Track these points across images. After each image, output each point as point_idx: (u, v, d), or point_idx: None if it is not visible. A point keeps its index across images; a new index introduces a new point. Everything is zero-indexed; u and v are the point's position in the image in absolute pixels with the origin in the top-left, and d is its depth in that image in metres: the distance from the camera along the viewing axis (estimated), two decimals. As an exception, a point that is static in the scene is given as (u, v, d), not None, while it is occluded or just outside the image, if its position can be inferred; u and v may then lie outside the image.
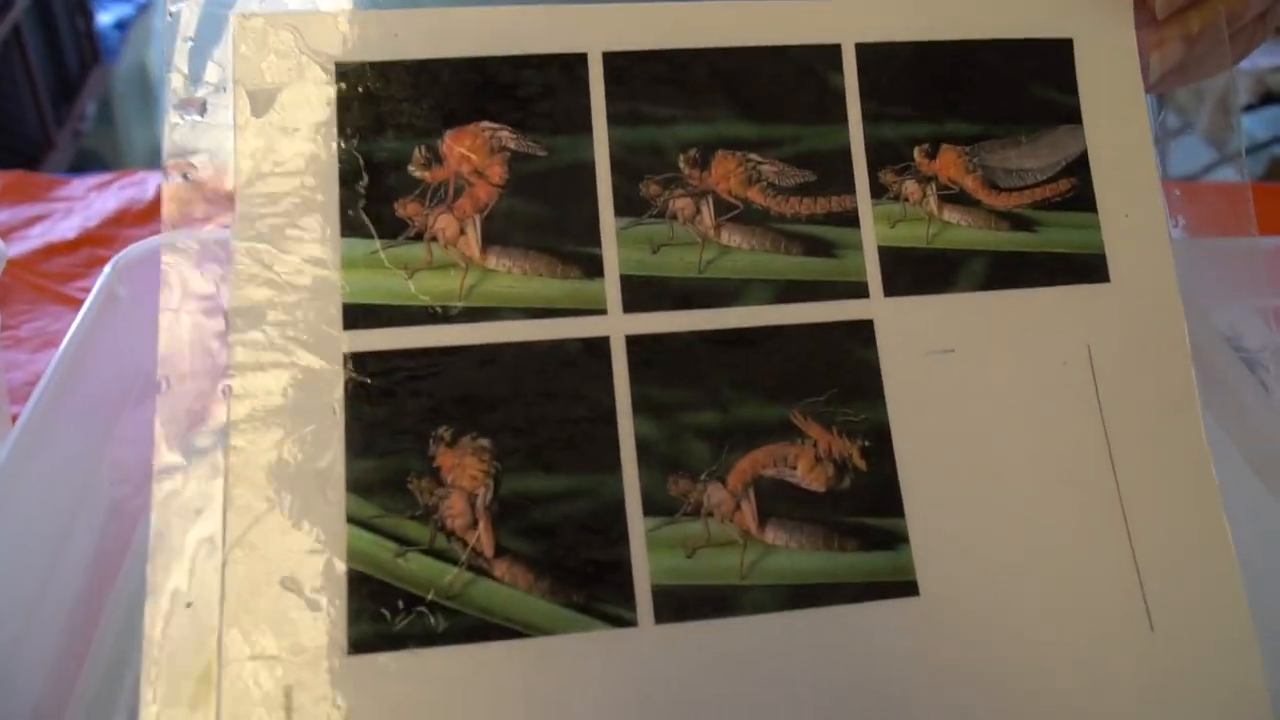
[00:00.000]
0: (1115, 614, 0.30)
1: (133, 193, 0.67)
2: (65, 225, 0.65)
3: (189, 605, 0.27)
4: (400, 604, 0.27)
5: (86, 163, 1.70)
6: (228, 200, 0.30)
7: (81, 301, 0.41)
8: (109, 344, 0.40)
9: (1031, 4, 0.34)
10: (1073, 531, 0.31)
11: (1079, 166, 0.33)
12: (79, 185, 0.68)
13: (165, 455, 0.28)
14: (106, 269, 0.42)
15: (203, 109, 0.30)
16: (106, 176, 0.69)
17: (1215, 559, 0.31)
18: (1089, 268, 0.33)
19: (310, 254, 0.29)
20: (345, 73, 0.31)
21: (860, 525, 0.30)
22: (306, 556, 0.27)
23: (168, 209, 0.29)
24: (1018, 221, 0.33)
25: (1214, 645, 0.30)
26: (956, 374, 0.31)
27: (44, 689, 0.33)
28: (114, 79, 1.84)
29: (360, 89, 0.31)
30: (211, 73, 0.30)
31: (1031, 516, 0.31)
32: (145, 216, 0.65)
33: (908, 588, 0.29)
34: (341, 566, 0.27)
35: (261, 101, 0.30)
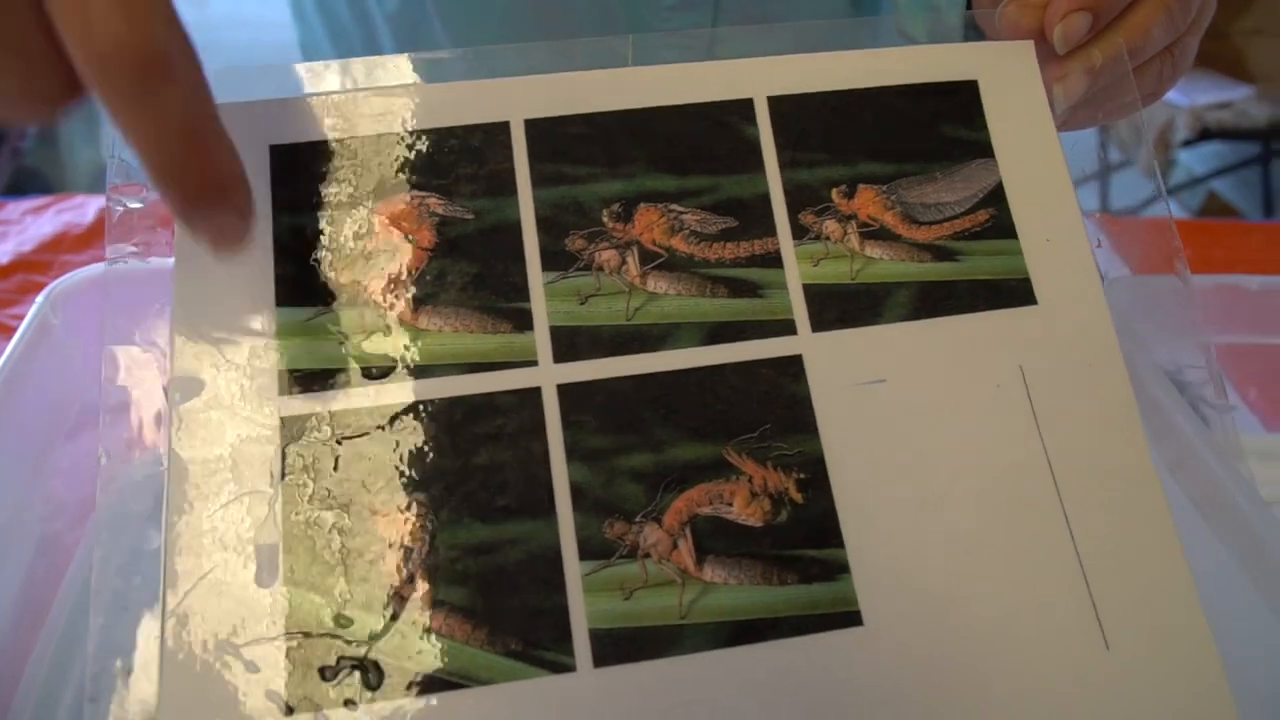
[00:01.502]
0: (1068, 634, 0.30)
1: (70, 217, 0.65)
2: (-1, 249, 0.63)
3: (129, 672, 0.27)
4: (337, 661, 0.27)
5: (26, 182, 1.63)
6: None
7: (13, 329, 0.40)
8: (42, 375, 0.40)
9: (935, 51, 0.35)
10: (1018, 553, 0.30)
11: (996, 198, 0.34)
12: (14, 208, 0.66)
13: (107, 523, 0.28)
14: (40, 297, 0.41)
15: (144, 197, 0.32)
16: (43, 200, 0.67)
17: (1168, 572, 0.31)
18: (1015, 291, 0.33)
19: (248, 324, 0.31)
20: (279, 152, 0.32)
21: (799, 557, 0.30)
22: (244, 618, 0.28)
23: (109, 296, 0.31)
24: (940, 252, 0.33)
25: (1173, 660, 0.30)
26: (889, 403, 0.32)
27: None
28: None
29: (294, 167, 0.32)
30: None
31: (975, 540, 0.30)
32: (83, 242, 0.63)
33: (850, 618, 0.29)
34: (279, 627, 0.28)
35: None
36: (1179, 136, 1.49)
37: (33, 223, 0.66)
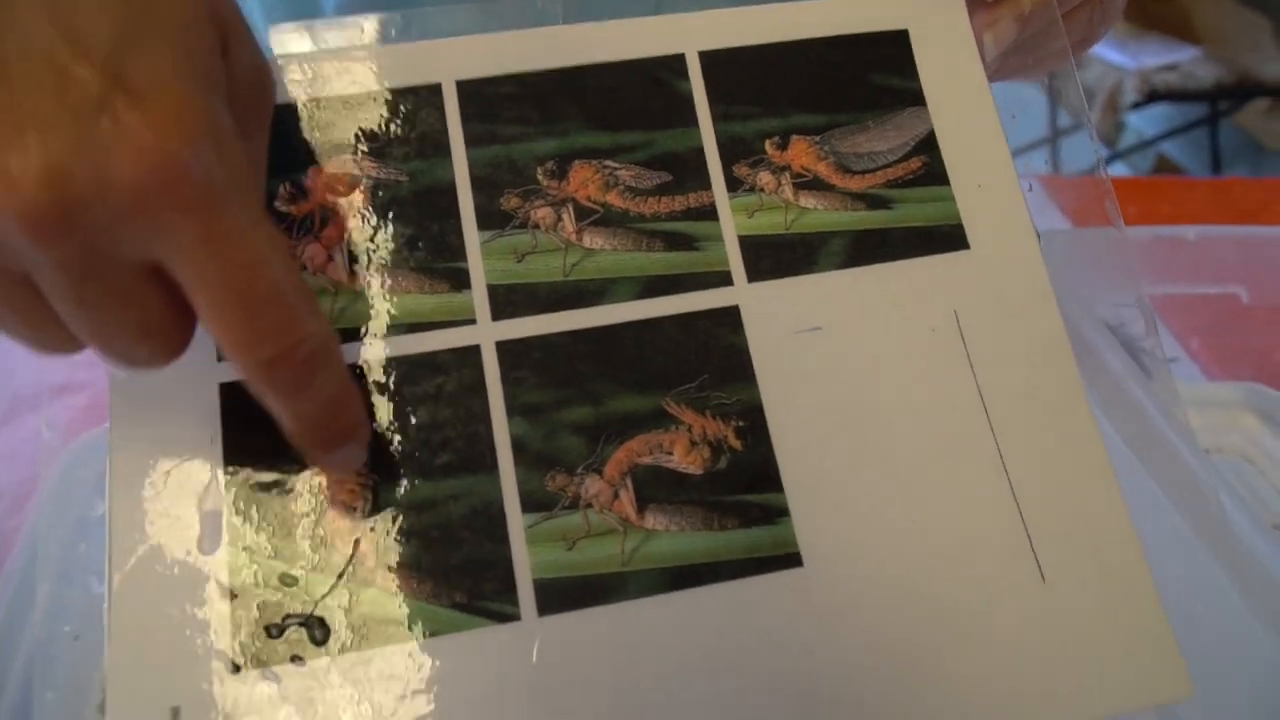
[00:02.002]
0: (1004, 569, 0.30)
1: None
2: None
3: (76, 638, 0.27)
4: (283, 619, 0.28)
5: None
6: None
7: None
8: None
9: (866, 1, 0.36)
10: (955, 493, 0.31)
11: (927, 146, 0.34)
12: None
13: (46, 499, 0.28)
14: None
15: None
16: None
17: (1103, 508, 0.31)
18: (947, 237, 0.34)
19: (183, 292, 0.31)
20: (209, 121, 0.32)
21: (739, 503, 0.30)
22: (189, 580, 0.28)
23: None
24: (873, 201, 0.34)
25: (1110, 590, 0.30)
26: (826, 350, 0.32)
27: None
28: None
29: (224, 135, 0.32)
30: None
31: (911, 481, 0.31)
32: None
33: (790, 560, 0.30)
34: (224, 586, 0.28)
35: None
36: (1127, 99, 1.50)
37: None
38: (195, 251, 0.23)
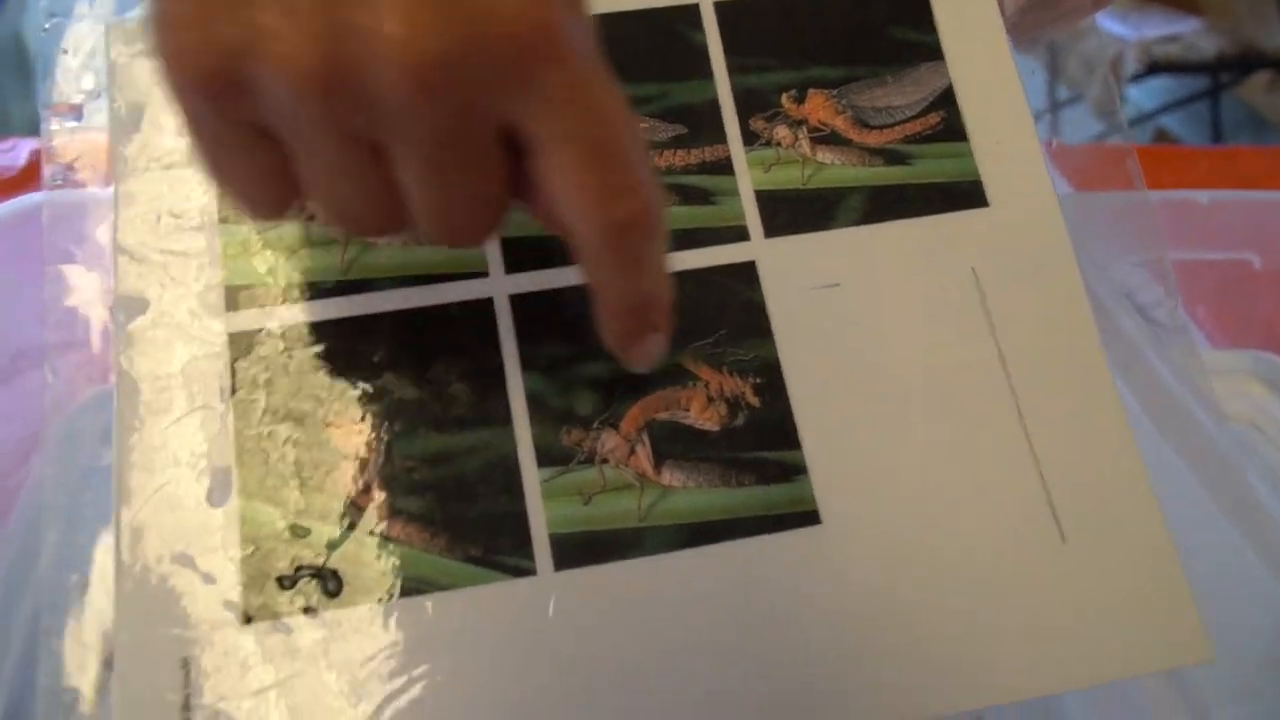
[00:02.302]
0: (1024, 528, 0.30)
1: (0, 160, 0.62)
2: (-75, 193, 0.59)
3: (85, 588, 0.27)
4: (295, 570, 0.27)
5: None
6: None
7: None
8: None
9: None
10: (974, 450, 0.31)
11: (946, 101, 0.34)
12: None
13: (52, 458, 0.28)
14: None
15: (80, 114, 0.31)
16: None
17: (1122, 465, 0.31)
18: (966, 194, 0.33)
19: (190, 243, 0.30)
20: (216, 68, 0.31)
21: (757, 460, 0.30)
22: (198, 531, 0.27)
23: (48, 218, 0.30)
24: (891, 156, 0.33)
25: (1130, 550, 0.30)
26: (843, 307, 0.32)
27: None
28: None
29: (232, 82, 0.31)
30: (87, 80, 0.31)
31: (930, 438, 0.31)
32: (15, 185, 0.60)
33: (808, 517, 0.29)
34: (234, 537, 0.27)
35: (135, 104, 0.31)
36: (1128, 70, 1.49)
37: (-38, 165, 0.63)
38: (564, 105, 0.22)
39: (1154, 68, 1.50)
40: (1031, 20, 0.37)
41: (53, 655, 0.25)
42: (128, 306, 0.29)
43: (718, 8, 0.34)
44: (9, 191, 0.59)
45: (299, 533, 0.28)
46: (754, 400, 0.30)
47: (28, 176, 0.60)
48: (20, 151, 0.63)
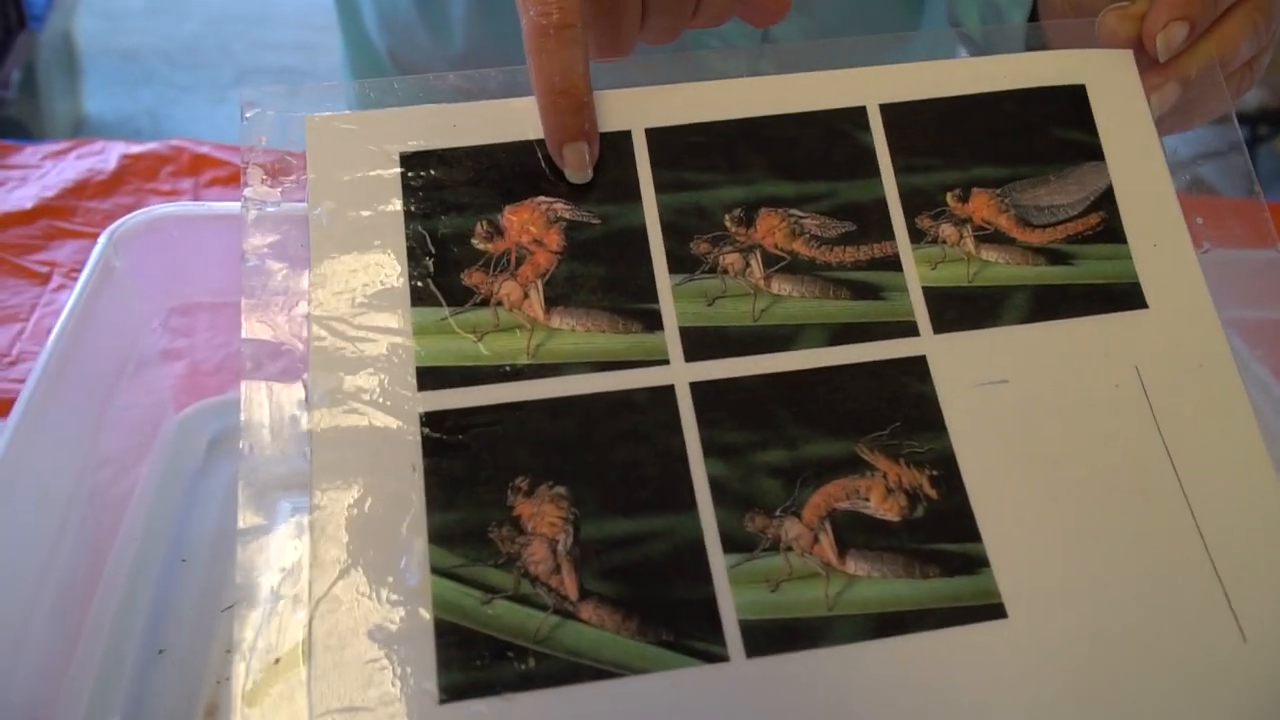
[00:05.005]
0: (1203, 626, 0.30)
1: (92, 162, 0.64)
2: (20, 194, 0.60)
3: (276, 661, 0.27)
4: (488, 651, 0.27)
5: (7, 132, 1.58)
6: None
7: (41, 274, 0.38)
8: (105, 320, 0.39)
9: (1042, 58, 0.36)
10: (1148, 546, 0.31)
11: (1106, 201, 0.35)
12: (33, 152, 0.64)
13: (249, 518, 0.28)
14: (102, 239, 0.40)
15: (279, 200, 0.32)
16: (63, 144, 0.65)
17: None
18: (1126, 295, 0.34)
19: (383, 324, 0.31)
20: (409, 159, 0.33)
21: (939, 551, 0.30)
22: (392, 608, 0.27)
23: (248, 295, 0.31)
24: (1054, 256, 0.34)
25: (1312, 653, 0.30)
26: (1013, 402, 0.32)
27: (37, 687, 0.32)
28: (39, 46, 1.73)
29: (423, 174, 0.33)
30: (285, 167, 0.33)
31: (1105, 533, 0.31)
32: (107, 188, 0.61)
33: (994, 610, 0.29)
34: (428, 616, 0.27)
35: (333, 190, 0.32)
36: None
37: (53, 167, 0.63)
38: None
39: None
40: (1170, 124, 0.38)
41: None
42: (321, 383, 0.30)
43: (884, 109, 0.35)
44: (105, 193, 0.59)
45: (492, 611, 0.28)
46: (931, 492, 0.31)
47: (120, 179, 0.61)
48: (110, 154, 0.63)
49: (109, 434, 0.40)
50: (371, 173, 0.33)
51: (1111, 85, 0.36)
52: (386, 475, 0.29)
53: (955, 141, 0.35)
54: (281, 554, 0.28)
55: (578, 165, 0.33)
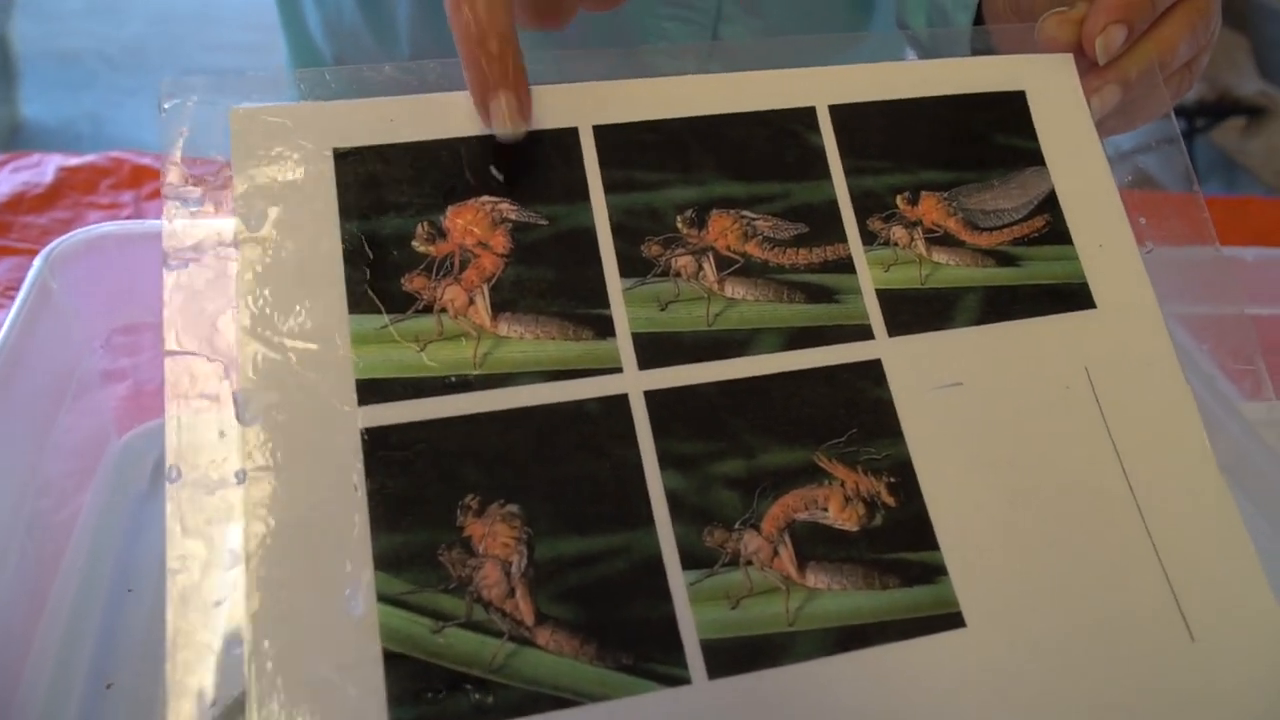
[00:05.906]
0: (1153, 627, 0.30)
1: (28, 175, 0.60)
2: (-51, 210, 0.57)
3: (213, 704, 0.25)
4: (442, 683, 0.26)
5: None
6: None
7: None
8: (43, 343, 0.38)
9: (983, 63, 0.36)
10: (1099, 548, 0.31)
11: (1049, 204, 0.35)
12: None
13: (181, 546, 0.26)
14: (37, 262, 0.39)
15: (200, 200, 0.30)
16: None
17: (1238, 558, 0.31)
18: (1075, 296, 0.34)
19: (319, 334, 0.29)
20: (343, 157, 0.31)
21: (898, 561, 0.29)
22: (338, 641, 0.26)
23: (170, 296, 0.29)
24: (1002, 258, 0.34)
25: (1257, 651, 0.30)
26: (967, 406, 0.32)
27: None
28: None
29: (359, 172, 0.31)
30: (207, 166, 0.30)
31: (1059, 538, 0.31)
32: (44, 202, 0.58)
33: (953, 620, 0.29)
34: (376, 648, 0.26)
35: (260, 189, 0.30)
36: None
37: (-15, 181, 0.60)
38: None
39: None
40: (1111, 125, 0.38)
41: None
42: (253, 400, 0.28)
43: (833, 110, 0.34)
44: (41, 208, 0.56)
45: (444, 640, 0.26)
46: (889, 499, 0.30)
47: (57, 192, 0.57)
48: (46, 167, 0.59)
49: (49, 459, 0.38)
50: (303, 170, 0.30)
51: (1051, 90, 0.36)
52: (326, 497, 0.27)
53: (903, 144, 0.34)
54: (217, 588, 0.26)
55: (503, 119, 0.30)
